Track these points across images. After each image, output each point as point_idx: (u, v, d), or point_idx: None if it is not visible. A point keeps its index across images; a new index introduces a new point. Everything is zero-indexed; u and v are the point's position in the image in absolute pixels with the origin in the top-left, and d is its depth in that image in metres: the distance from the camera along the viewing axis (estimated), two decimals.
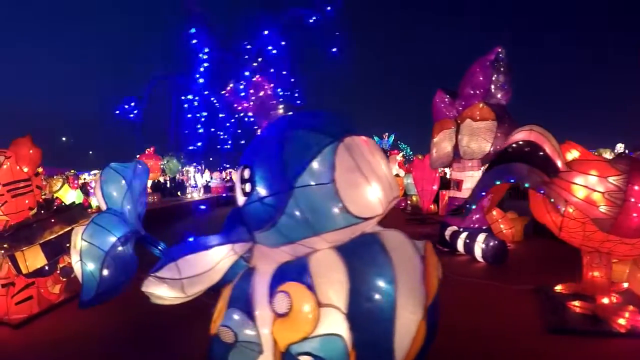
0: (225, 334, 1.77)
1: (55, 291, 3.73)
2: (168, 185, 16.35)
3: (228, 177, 18.09)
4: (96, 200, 2.64)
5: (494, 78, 4.98)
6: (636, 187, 2.87)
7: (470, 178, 5.43)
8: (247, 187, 1.72)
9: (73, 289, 4.03)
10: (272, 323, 1.69)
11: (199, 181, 16.68)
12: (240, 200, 1.79)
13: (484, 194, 3.27)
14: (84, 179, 13.52)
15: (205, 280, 1.99)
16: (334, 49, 16.37)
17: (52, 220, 3.32)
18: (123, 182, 2.59)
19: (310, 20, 16.62)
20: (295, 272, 1.68)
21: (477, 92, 5.11)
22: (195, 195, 15.61)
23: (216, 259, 1.97)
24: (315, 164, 1.58)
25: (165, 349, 3.05)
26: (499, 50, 4.76)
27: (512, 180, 3.24)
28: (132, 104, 17.54)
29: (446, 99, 5.65)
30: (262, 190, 1.66)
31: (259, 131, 16.72)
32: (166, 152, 16.73)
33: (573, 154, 3.42)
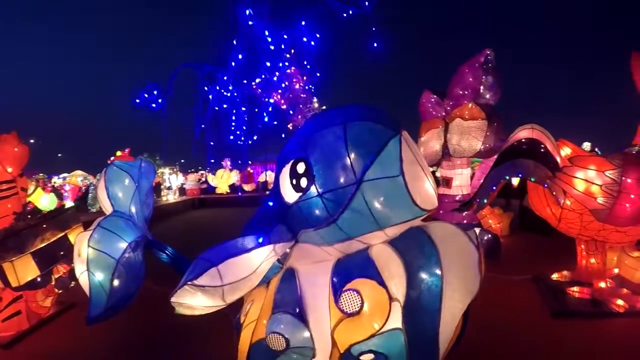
0: (275, 340, 1.67)
1: (46, 304, 3.42)
2: None
3: (203, 179, 17.48)
4: (100, 203, 2.44)
5: (483, 79, 5.11)
6: (629, 180, 3.06)
7: (460, 175, 5.59)
8: (303, 182, 1.65)
9: (63, 301, 3.73)
10: (335, 323, 1.63)
11: (173, 183, 16.00)
12: (292, 196, 1.71)
13: (494, 188, 3.38)
14: (54, 182, 12.60)
15: (246, 285, 1.88)
16: (375, 44, 15.90)
17: (44, 226, 3.03)
18: (130, 181, 2.42)
19: (344, 15, 16.10)
20: (359, 268, 1.64)
21: (466, 92, 5.23)
22: (170, 197, 14.98)
23: (257, 261, 1.87)
24: (383, 157, 1.55)
25: None
26: (488, 52, 4.92)
27: (520, 175, 3.37)
28: (155, 92, 16.03)
29: (433, 99, 5.75)
30: (322, 185, 1.60)
31: (290, 125, 16.27)
32: (141, 154, 15.76)
33: (566, 151, 3.63)
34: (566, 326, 3.13)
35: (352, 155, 1.56)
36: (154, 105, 15.86)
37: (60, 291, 3.29)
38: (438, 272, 1.59)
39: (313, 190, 1.62)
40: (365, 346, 1.58)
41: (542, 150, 3.31)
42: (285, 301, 1.81)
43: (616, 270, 3.82)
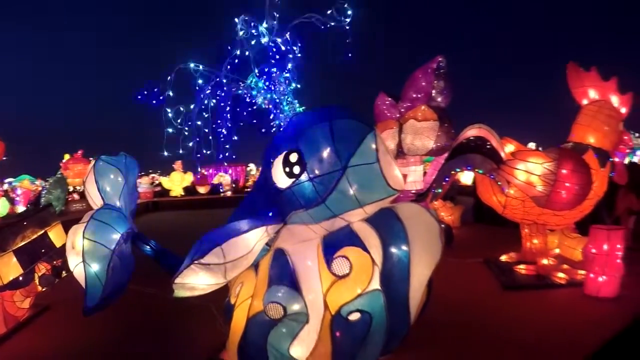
0: (274, 309, 1.91)
1: (25, 306, 3.35)
2: None
3: (156, 182, 17.06)
4: (89, 197, 2.48)
5: (435, 83, 5.60)
6: (564, 171, 3.57)
7: (414, 172, 6.08)
8: (296, 169, 1.92)
9: (38, 303, 3.66)
10: (327, 288, 1.91)
11: None
12: (285, 182, 1.96)
13: (447, 179, 3.84)
14: (4, 187, 11.71)
15: (243, 263, 2.11)
16: (350, 55, 17.07)
17: (24, 224, 3.02)
18: (117, 175, 2.46)
19: (322, 27, 17.06)
20: (346, 240, 1.95)
21: (420, 95, 5.71)
22: None
23: (253, 241, 2.10)
24: (362, 147, 1.87)
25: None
26: (440, 59, 5.43)
27: (469, 168, 3.84)
28: (156, 89, 16.08)
29: (387, 102, 6.19)
30: (312, 171, 1.88)
31: (273, 124, 17.15)
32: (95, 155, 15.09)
33: (509, 148, 4.16)
34: (516, 297, 3.62)
35: (338, 146, 1.86)
36: (154, 102, 15.82)
37: (44, 289, 3.26)
38: (405, 247, 1.95)
39: (304, 176, 1.90)
40: (353, 306, 1.88)
41: (488, 146, 3.81)
42: (279, 275, 2.05)
43: (557, 251, 4.42)
